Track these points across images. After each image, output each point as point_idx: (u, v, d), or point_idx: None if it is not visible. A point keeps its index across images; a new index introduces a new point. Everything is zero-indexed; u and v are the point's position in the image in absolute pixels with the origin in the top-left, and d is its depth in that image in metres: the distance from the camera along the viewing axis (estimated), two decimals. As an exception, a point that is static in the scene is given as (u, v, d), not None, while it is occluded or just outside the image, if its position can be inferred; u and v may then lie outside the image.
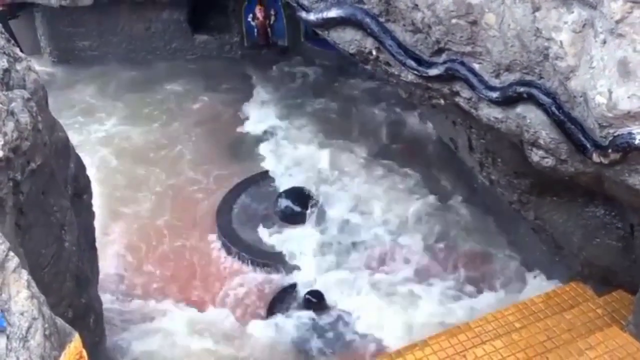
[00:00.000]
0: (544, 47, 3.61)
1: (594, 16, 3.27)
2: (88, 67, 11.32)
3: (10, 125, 3.49)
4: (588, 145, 3.70)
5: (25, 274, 2.60)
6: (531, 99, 3.97)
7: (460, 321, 5.67)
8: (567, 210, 5.24)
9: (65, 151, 5.10)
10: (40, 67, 10.72)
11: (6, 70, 4.16)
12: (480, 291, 6.67)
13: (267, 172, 8.65)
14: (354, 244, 7.36)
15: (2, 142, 3.29)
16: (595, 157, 3.68)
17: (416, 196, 7.98)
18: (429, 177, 8.31)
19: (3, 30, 4.84)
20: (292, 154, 9.00)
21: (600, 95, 3.32)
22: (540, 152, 4.19)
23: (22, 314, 2.48)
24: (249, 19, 11.35)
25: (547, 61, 3.67)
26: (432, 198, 7.93)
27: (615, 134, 3.41)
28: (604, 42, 3.26)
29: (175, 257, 7.45)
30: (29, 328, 2.46)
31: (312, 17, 5.51)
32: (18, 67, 4.45)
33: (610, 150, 3.51)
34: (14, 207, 3.61)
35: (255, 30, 11.43)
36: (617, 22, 3.15)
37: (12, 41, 4.87)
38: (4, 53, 4.35)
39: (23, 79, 4.42)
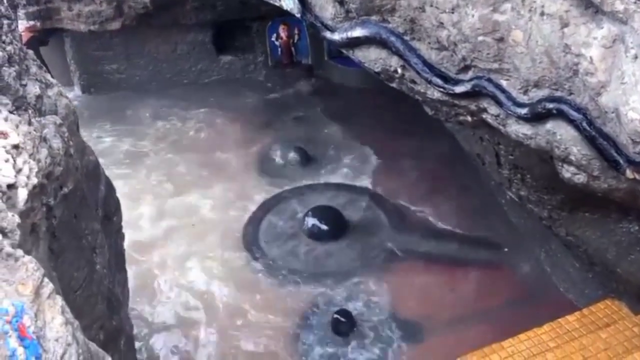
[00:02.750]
0: (573, 63, 3.56)
1: (625, 31, 3.21)
2: (116, 90, 11.54)
3: (43, 152, 3.55)
4: (621, 161, 3.62)
5: (59, 300, 2.62)
6: (561, 115, 3.90)
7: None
8: (600, 226, 5.14)
9: (95, 174, 5.16)
10: (70, 90, 10.99)
11: (39, 97, 4.23)
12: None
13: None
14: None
15: (36, 170, 3.33)
16: (629, 174, 3.59)
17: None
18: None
19: (35, 57, 4.94)
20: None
21: (633, 111, 3.25)
22: (572, 169, 4.12)
23: (57, 340, 2.49)
24: (273, 39, 11.48)
25: (576, 77, 3.61)
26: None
27: (650, 150, 3.34)
28: (636, 57, 3.20)
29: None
30: (63, 354, 2.46)
31: (336, 36, 5.51)
32: (50, 92, 4.52)
33: (644, 167, 3.43)
34: (47, 231, 3.65)
35: (279, 49, 11.56)
36: (649, 36, 3.10)
37: (44, 67, 4.97)
38: (37, 80, 4.43)
39: (55, 105, 4.50)
